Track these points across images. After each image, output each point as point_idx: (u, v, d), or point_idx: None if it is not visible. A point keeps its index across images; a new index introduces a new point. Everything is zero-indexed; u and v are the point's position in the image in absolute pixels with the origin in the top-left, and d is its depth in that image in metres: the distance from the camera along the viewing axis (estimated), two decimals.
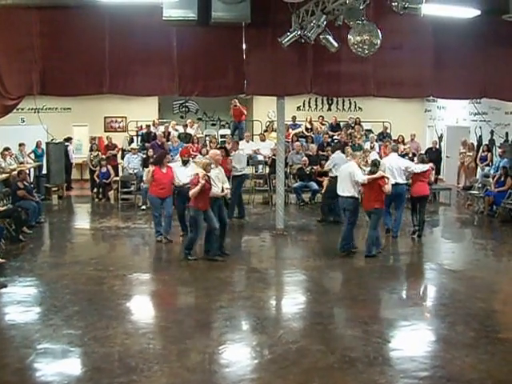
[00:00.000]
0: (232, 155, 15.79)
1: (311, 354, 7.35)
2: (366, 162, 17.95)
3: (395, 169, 13.29)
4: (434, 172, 14.90)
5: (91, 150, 21.02)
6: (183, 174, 13.15)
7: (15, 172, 16.21)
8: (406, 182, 13.49)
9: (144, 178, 16.83)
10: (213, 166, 11.75)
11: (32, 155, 20.32)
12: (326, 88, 14.67)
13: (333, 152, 15.91)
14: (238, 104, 21.30)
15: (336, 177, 14.54)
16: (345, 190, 12.01)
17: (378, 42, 10.62)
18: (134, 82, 13.68)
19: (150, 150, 18.34)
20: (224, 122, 23.50)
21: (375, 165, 12.08)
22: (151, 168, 13.48)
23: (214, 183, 11.65)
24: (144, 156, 18.90)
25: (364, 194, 12.19)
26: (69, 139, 21.91)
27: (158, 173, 13.12)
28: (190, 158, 14.07)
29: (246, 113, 21.92)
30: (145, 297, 9.98)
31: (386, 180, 11.98)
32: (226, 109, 22.40)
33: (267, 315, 8.99)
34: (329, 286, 10.50)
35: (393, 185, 12.91)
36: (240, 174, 15.92)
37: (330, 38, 12.48)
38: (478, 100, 18.68)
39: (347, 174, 11.99)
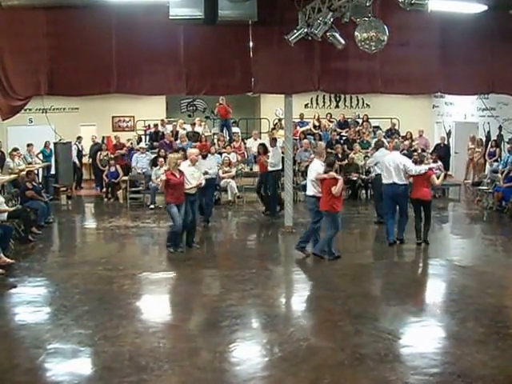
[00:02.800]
0: (270, 151, 16.39)
1: (322, 352, 7.34)
2: None
3: (393, 168, 12.56)
4: (442, 175, 13.96)
5: (100, 149, 21.07)
6: (203, 166, 13.82)
7: (24, 172, 16.25)
8: (405, 182, 12.60)
9: (153, 178, 17.05)
10: (189, 163, 12.30)
11: (40, 155, 20.38)
12: (334, 85, 14.67)
13: (377, 149, 15.57)
14: (223, 102, 21.31)
15: (379, 175, 14.01)
16: (309, 188, 11.85)
17: (385, 38, 10.57)
18: (141, 81, 13.72)
19: (162, 151, 18.37)
20: (232, 120, 23.55)
21: (329, 165, 11.46)
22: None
23: (187, 180, 12.06)
24: (153, 155, 18.96)
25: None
26: (78, 139, 21.98)
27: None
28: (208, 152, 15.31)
29: (231, 111, 21.90)
30: (154, 296, 9.98)
31: (335, 178, 11.32)
32: (234, 107, 22.41)
33: (277, 313, 8.99)
34: (338, 282, 10.47)
35: (390, 184, 12.63)
36: (273, 169, 16.05)
37: (337, 35, 12.43)
38: (486, 95, 18.61)
39: (309, 172, 11.85)
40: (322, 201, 11.47)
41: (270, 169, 16.08)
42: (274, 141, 16.71)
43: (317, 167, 11.71)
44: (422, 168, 12.57)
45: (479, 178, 19.44)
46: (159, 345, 7.58)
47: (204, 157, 14.38)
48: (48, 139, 20.26)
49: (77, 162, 21.72)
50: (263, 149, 16.57)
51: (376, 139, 19.80)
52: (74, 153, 21.59)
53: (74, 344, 7.59)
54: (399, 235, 12.92)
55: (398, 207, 12.91)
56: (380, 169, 14.03)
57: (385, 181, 12.86)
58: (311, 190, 11.75)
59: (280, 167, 16.42)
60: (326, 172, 11.42)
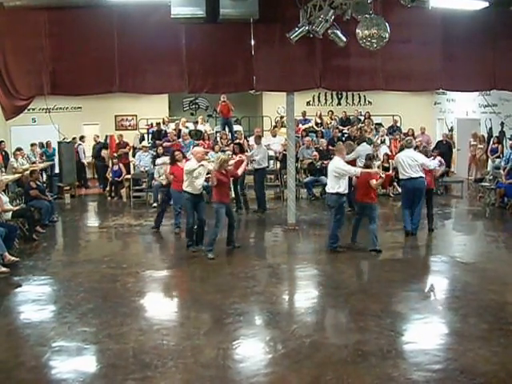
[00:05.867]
0: (254, 149, 16.37)
1: (324, 348, 7.38)
2: (377, 155, 18.05)
3: (407, 164, 12.94)
4: (443, 166, 14.34)
5: (104, 147, 21.14)
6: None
7: (27, 172, 16.31)
8: (421, 174, 13.01)
9: (155, 176, 17.04)
10: (197, 162, 11.98)
11: (43, 155, 20.42)
12: (336, 82, 14.70)
13: (358, 144, 15.73)
14: (226, 100, 21.29)
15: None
16: (329, 186, 11.90)
17: (387, 35, 10.61)
18: (143, 80, 13.76)
19: (160, 148, 18.45)
20: (235, 118, 23.57)
21: (370, 159, 12.16)
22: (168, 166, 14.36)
23: (194, 180, 11.92)
24: (154, 154, 19.01)
25: (357, 187, 12.33)
26: (81, 138, 22.03)
27: (177, 169, 13.34)
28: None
29: (233, 109, 21.87)
30: (158, 294, 10.03)
31: (379, 175, 11.97)
32: (236, 105, 22.40)
33: (280, 310, 9.01)
34: (341, 279, 10.49)
35: (407, 179, 12.98)
36: (259, 167, 16.11)
37: (339, 33, 12.47)
38: (488, 92, 18.64)
39: (332, 170, 11.83)
40: (361, 193, 12.00)
41: (255, 167, 16.12)
42: (258, 138, 16.68)
43: (340, 163, 11.80)
44: (436, 161, 13.57)
45: (481, 174, 19.45)
46: (163, 342, 7.62)
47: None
48: (51, 139, 20.29)
49: (85, 161, 21.82)
50: (239, 148, 16.09)
51: (376, 135, 19.93)
52: (81, 153, 21.69)
53: (78, 342, 7.64)
54: (414, 228, 13.31)
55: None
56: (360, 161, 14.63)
57: (401, 176, 13.23)
58: (334, 188, 11.77)
59: (266, 165, 16.43)
60: (367, 166, 12.11)
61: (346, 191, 11.85)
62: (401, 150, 14.58)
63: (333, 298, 9.45)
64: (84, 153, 22.05)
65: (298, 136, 20.24)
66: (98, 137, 22.11)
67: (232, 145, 17.58)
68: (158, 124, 21.71)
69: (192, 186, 11.96)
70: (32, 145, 19.66)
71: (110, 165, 20.53)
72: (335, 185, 11.73)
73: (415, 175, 12.97)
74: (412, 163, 12.96)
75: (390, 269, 11.09)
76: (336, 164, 11.84)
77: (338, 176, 11.68)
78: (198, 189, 12.06)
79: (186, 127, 21.80)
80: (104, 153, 21.03)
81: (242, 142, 18.65)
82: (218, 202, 11.81)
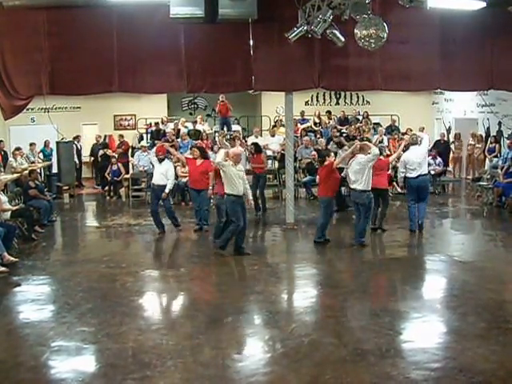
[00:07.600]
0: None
1: (323, 347, 7.38)
2: None
3: (417, 162, 13.02)
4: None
5: (104, 147, 21.18)
6: (158, 171, 13.72)
7: (26, 171, 16.31)
8: (426, 172, 13.36)
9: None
10: (231, 163, 11.50)
11: (41, 155, 20.42)
12: (334, 82, 14.71)
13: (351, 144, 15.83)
14: (225, 100, 21.28)
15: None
16: (355, 183, 11.98)
17: (385, 35, 10.65)
18: (142, 79, 13.77)
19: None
20: (233, 117, 23.55)
21: (325, 156, 12.57)
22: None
23: (234, 180, 11.47)
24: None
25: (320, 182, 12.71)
26: (76, 137, 22.02)
27: (193, 164, 13.49)
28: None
29: (231, 108, 21.87)
30: (157, 293, 10.02)
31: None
32: (235, 105, 22.40)
33: (279, 309, 9.02)
34: (340, 279, 10.52)
35: (415, 177, 13.07)
36: None
37: (337, 33, 12.49)
38: (486, 92, 18.67)
39: (355, 166, 11.93)
40: (324, 188, 12.31)
41: None
42: (232, 141, 16.51)
43: (364, 157, 11.95)
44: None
45: (479, 173, 19.49)
46: (162, 342, 7.62)
47: (160, 161, 13.74)
48: (50, 138, 20.33)
49: (77, 161, 21.78)
50: (254, 148, 15.81)
51: (377, 136, 19.94)
52: (74, 152, 21.68)
53: (77, 341, 7.63)
54: (419, 222, 13.49)
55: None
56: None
57: (409, 175, 13.21)
58: (359, 184, 11.91)
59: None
60: (321, 162, 12.52)
61: (370, 187, 12.00)
62: (398, 146, 14.65)
63: (331, 297, 9.46)
64: (78, 152, 22.04)
65: (297, 136, 20.26)
66: (99, 137, 22.14)
67: (248, 145, 17.48)
68: (157, 124, 21.74)
69: (234, 188, 11.50)
70: (31, 144, 19.68)
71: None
72: (360, 182, 11.92)
73: (423, 172, 13.12)
74: (421, 160, 13.11)
75: (389, 268, 11.13)
76: (360, 160, 11.98)
77: (362, 169, 11.86)
78: (240, 190, 11.57)
79: (185, 127, 21.82)
80: (109, 151, 21.04)
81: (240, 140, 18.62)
82: (221, 196, 11.99)
